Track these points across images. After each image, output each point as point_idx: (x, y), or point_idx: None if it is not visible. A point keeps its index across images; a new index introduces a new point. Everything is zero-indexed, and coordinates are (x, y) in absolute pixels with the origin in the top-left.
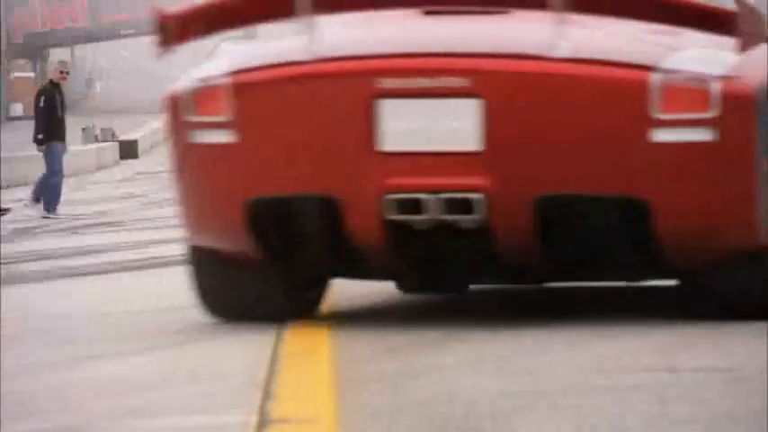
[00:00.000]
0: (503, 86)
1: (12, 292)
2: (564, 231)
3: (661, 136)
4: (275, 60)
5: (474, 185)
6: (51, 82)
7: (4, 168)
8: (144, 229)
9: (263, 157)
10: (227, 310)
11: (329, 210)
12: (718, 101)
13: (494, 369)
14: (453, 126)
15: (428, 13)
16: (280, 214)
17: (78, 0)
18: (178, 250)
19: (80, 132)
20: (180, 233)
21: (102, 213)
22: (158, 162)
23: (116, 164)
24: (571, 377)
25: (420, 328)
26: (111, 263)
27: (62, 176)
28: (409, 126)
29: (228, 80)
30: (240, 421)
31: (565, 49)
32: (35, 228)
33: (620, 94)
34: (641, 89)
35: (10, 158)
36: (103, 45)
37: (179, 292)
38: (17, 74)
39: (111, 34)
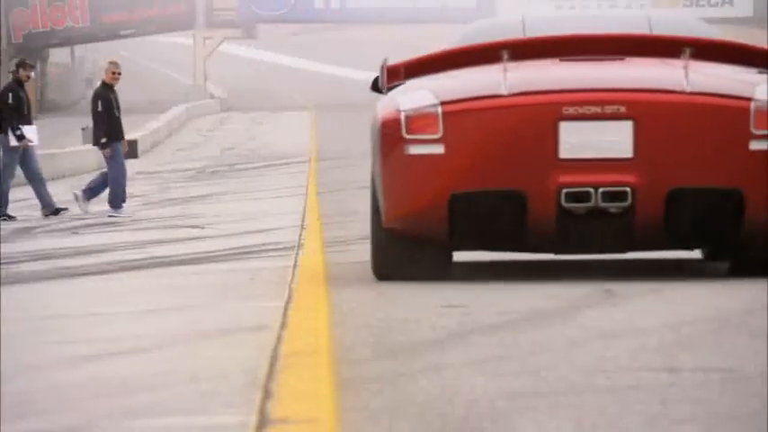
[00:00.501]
0: (648, 112)
1: (12, 292)
2: (684, 215)
3: (755, 146)
4: (477, 94)
5: (628, 182)
6: (104, 83)
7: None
8: (144, 229)
9: (464, 164)
10: (391, 273)
11: (517, 202)
12: None
13: (494, 369)
14: (613, 140)
15: (563, 60)
16: (474, 209)
17: (78, 0)
18: (178, 250)
19: (80, 132)
20: (179, 234)
21: (103, 213)
22: (158, 162)
23: None
24: (571, 377)
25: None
26: (110, 263)
27: (125, 174)
28: (581, 139)
29: (439, 109)
30: (240, 421)
31: (689, 85)
32: (35, 228)
33: (729, 117)
34: (744, 113)
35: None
36: (103, 45)
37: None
38: None
39: (111, 34)
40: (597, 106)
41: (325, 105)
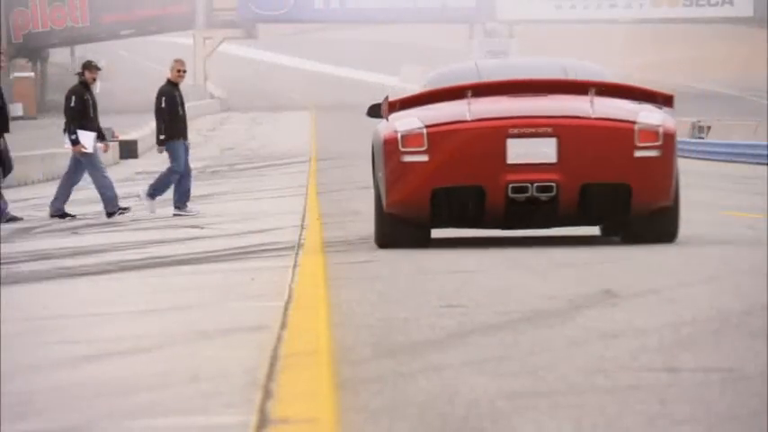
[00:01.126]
0: (567, 132)
1: (12, 292)
2: (592, 202)
3: (639, 154)
4: (451, 120)
5: (553, 179)
6: (169, 81)
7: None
8: (144, 229)
9: (442, 168)
10: (388, 244)
11: (478, 193)
12: (662, 135)
13: (494, 369)
14: (543, 150)
15: (508, 96)
16: (448, 199)
17: (78, 0)
18: (178, 250)
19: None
20: (179, 234)
21: (103, 213)
22: (158, 162)
23: (116, 163)
24: (571, 377)
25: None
26: (110, 263)
27: (190, 173)
28: (523, 150)
29: (424, 130)
30: (240, 421)
31: (594, 113)
32: (35, 228)
33: (620, 135)
34: (630, 132)
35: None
36: (103, 45)
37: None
38: (17, 74)
39: (111, 34)
40: (532, 128)
41: (324, 105)
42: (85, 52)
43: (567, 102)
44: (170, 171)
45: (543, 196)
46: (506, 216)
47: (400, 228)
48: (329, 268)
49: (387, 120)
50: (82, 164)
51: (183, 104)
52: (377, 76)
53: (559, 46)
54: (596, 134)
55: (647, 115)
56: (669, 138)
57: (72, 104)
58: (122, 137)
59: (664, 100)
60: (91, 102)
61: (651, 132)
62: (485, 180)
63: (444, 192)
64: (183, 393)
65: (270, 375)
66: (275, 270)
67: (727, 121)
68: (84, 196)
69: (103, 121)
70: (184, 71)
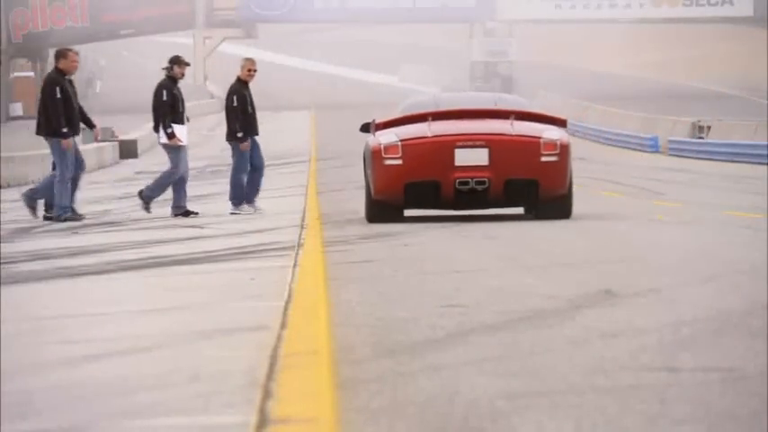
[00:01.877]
0: (495, 144)
1: (12, 292)
2: (513, 191)
3: (543, 159)
4: (417, 136)
5: (486, 176)
6: (239, 80)
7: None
8: (144, 229)
9: (412, 169)
10: (375, 220)
11: (436, 186)
12: (560, 146)
13: (494, 369)
14: (479, 156)
15: (456, 119)
16: (415, 190)
17: (78, 0)
18: (178, 250)
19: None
20: (179, 234)
21: (103, 213)
22: (158, 162)
23: (116, 163)
24: (571, 377)
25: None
26: (110, 263)
27: (260, 168)
28: (466, 157)
29: (399, 143)
30: (240, 421)
31: (514, 131)
32: (35, 228)
33: (531, 146)
34: (537, 144)
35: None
36: (103, 45)
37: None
38: (17, 74)
39: (111, 34)
40: (471, 141)
41: (324, 105)
42: (86, 52)
43: (495, 124)
44: (236, 170)
45: (479, 187)
46: (455, 201)
47: (383, 208)
48: (329, 268)
49: (374, 135)
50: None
51: (252, 103)
52: (377, 76)
53: (559, 46)
54: (515, 145)
55: (549, 133)
56: (564, 148)
57: (164, 99)
58: (122, 137)
59: (560, 122)
60: (179, 96)
61: (551, 144)
62: (440, 177)
63: (413, 185)
64: (183, 393)
65: (270, 375)
66: (275, 270)
67: (727, 121)
68: (84, 196)
69: (103, 121)
70: (255, 70)
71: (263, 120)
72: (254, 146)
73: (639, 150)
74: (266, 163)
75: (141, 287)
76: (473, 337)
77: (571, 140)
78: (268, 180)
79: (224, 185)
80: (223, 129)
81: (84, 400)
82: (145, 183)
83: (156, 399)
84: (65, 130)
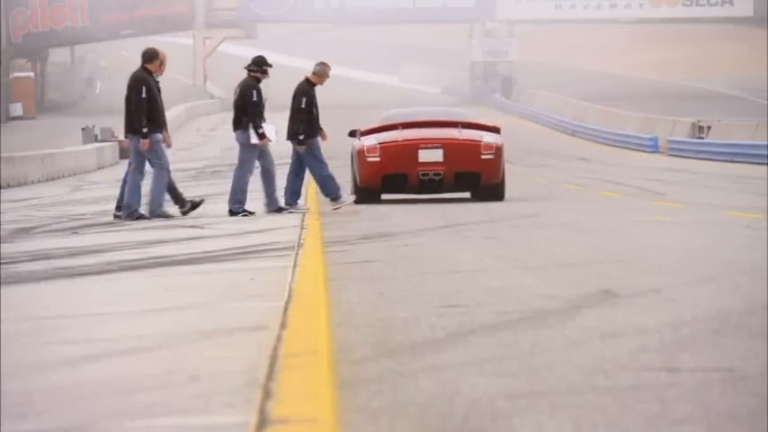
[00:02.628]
0: (447, 145)
1: (12, 292)
2: (461, 180)
3: (483, 156)
4: (391, 140)
5: (441, 170)
6: (309, 82)
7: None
8: (144, 229)
9: (387, 164)
10: (361, 202)
11: (405, 177)
12: (495, 148)
13: (494, 369)
14: (436, 155)
15: (419, 127)
16: (390, 180)
17: (78, 0)
18: (178, 250)
19: (80, 132)
20: (179, 234)
21: (103, 213)
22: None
23: (116, 163)
24: (571, 377)
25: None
26: (110, 263)
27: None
28: (426, 155)
29: (378, 145)
30: (240, 421)
31: (461, 136)
32: (35, 228)
33: (474, 147)
34: (478, 145)
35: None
36: (103, 45)
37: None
38: (17, 74)
39: (111, 34)
40: (430, 144)
41: (324, 105)
42: (86, 52)
43: (447, 131)
44: (319, 167)
45: (436, 178)
46: (419, 188)
47: (366, 193)
48: (329, 268)
49: (359, 139)
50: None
51: (316, 105)
52: (377, 75)
53: (559, 46)
54: (462, 147)
55: (487, 137)
56: (498, 149)
57: (254, 99)
58: (122, 137)
59: (495, 130)
60: (263, 96)
61: (489, 146)
62: (408, 170)
63: (388, 176)
64: (183, 393)
65: (270, 375)
66: (275, 270)
67: (727, 121)
68: (84, 196)
69: (103, 121)
70: (328, 75)
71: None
72: (318, 146)
73: (639, 150)
74: None
75: (141, 287)
76: (473, 337)
77: (566, 140)
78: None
79: (225, 186)
80: (224, 129)
81: (84, 400)
82: (145, 182)
83: (156, 399)
84: (145, 129)
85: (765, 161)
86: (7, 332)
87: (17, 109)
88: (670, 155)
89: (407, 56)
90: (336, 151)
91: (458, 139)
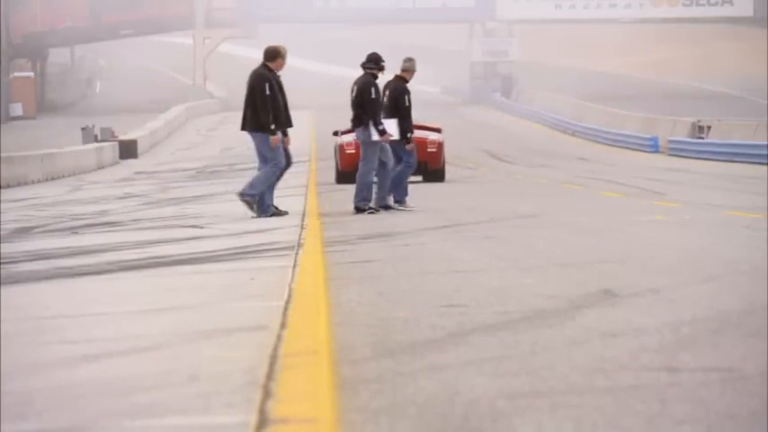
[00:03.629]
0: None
1: (12, 292)
2: (418, 168)
3: (428, 150)
4: (356, 140)
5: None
6: (401, 78)
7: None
8: (144, 229)
9: (359, 155)
10: (340, 182)
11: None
12: (437, 144)
13: (494, 369)
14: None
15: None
16: (351, 169)
17: (78, 0)
18: (178, 250)
19: (80, 132)
20: (179, 234)
21: (103, 213)
22: (158, 162)
23: (116, 163)
24: (571, 377)
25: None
26: (110, 263)
27: (412, 167)
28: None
29: (354, 141)
30: (240, 421)
31: (414, 135)
32: (35, 228)
33: (423, 143)
34: (426, 141)
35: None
36: (103, 45)
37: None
38: (17, 74)
39: (111, 34)
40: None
41: (324, 105)
42: (86, 52)
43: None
44: (407, 166)
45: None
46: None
47: (345, 176)
48: (329, 268)
49: (340, 137)
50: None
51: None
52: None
53: (560, 46)
54: (415, 143)
55: (432, 136)
56: (439, 144)
57: (372, 96)
58: (122, 137)
59: (437, 130)
60: (380, 93)
61: (432, 142)
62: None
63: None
64: (183, 393)
65: (270, 375)
66: (275, 270)
67: (727, 121)
68: (84, 196)
69: (103, 121)
70: (414, 70)
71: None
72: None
73: (639, 150)
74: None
75: (141, 287)
76: (473, 337)
77: (566, 140)
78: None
79: (224, 186)
80: (223, 129)
81: (84, 400)
82: (145, 182)
83: (155, 399)
84: (273, 126)
85: (765, 161)
86: (7, 332)
87: (17, 109)
88: (670, 155)
89: (407, 56)
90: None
91: (419, 138)
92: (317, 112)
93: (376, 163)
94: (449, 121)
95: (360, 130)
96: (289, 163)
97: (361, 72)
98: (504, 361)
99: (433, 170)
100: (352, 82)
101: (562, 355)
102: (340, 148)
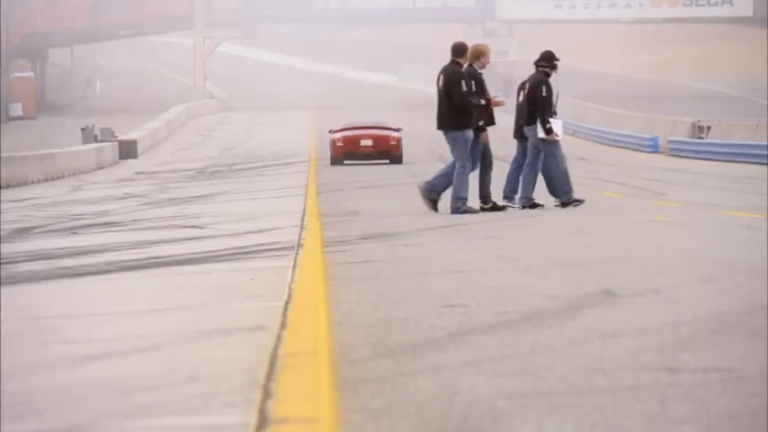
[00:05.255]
0: (374, 138)
1: (12, 292)
2: (379, 155)
3: (390, 143)
4: (348, 135)
5: (371, 150)
6: (545, 73)
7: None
8: (144, 229)
9: (346, 146)
10: (334, 164)
11: (354, 153)
12: (396, 140)
13: (494, 369)
14: (368, 142)
15: (363, 129)
16: (347, 154)
17: (78, 0)
18: (178, 250)
19: (80, 132)
20: (179, 234)
21: (103, 213)
22: (158, 162)
23: (116, 163)
24: (571, 377)
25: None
26: (110, 263)
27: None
28: (364, 142)
29: (342, 137)
30: (240, 421)
31: (380, 133)
32: (35, 228)
33: (386, 138)
34: (389, 137)
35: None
36: (103, 45)
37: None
38: (17, 74)
39: (111, 34)
40: (366, 137)
41: (324, 105)
42: (85, 52)
43: (374, 131)
44: (559, 161)
45: (368, 152)
46: (361, 158)
47: (337, 161)
48: (329, 268)
49: (332, 134)
50: (541, 152)
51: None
52: (376, 75)
53: (559, 46)
54: (380, 138)
55: (393, 134)
56: (398, 140)
57: (544, 94)
58: (122, 137)
59: (397, 130)
60: (554, 91)
61: (393, 138)
62: (355, 150)
63: (346, 152)
64: (183, 393)
65: (270, 375)
66: (275, 270)
67: (727, 121)
68: (84, 196)
69: (103, 121)
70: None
71: (263, 120)
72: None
73: (639, 150)
74: (267, 163)
75: (141, 287)
76: (473, 337)
77: (565, 140)
78: (268, 180)
79: (224, 186)
80: (223, 129)
81: (85, 400)
82: (145, 182)
83: (155, 399)
84: (481, 123)
85: (765, 161)
86: (7, 332)
87: (17, 109)
88: (670, 155)
89: (407, 56)
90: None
91: (378, 135)
92: (316, 112)
93: (563, 154)
94: None
95: (531, 127)
96: (488, 162)
97: (359, 72)
98: (504, 361)
99: (393, 156)
100: (369, 83)
101: (562, 355)
102: (333, 142)
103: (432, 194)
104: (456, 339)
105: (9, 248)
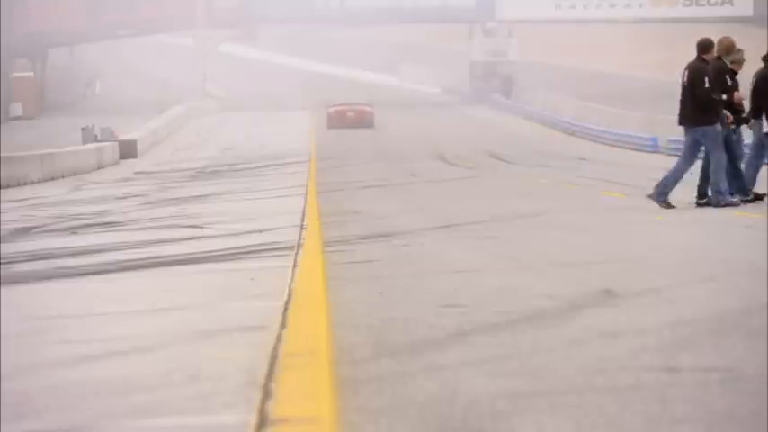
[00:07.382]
0: (357, 112)
1: (12, 291)
2: (360, 123)
3: (366, 115)
4: (339, 110)
5: (354, 119)
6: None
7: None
8: (144, 229)
9: (338, 118)
10: (330, 127)
11: (342, 119)
12: (371, 113)
13: (494, 369)
14: (352, 115)
15: (349, 106)
16: (338, 122)
17: (78, 0)
18: (178, 250)
19: (80, 132)
20: (179, 234)
21: (103, 213)
22: (158, 162)
23: (116, 163)
24: (571, 377)
25: None
26: (110, 263)
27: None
28: (350, 115)
29: (335, 111)
30: (240, 421)
31: (362, 108)
32: (35, 228)
33: (367, 113)
34: (370, 111)
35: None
36: (103, 45)
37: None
38: (17, 74)
39: (111, 34)
40: (351, 111)
41: (324, 105)
42: (85, 52)
43: (360, 107)
44: (755, 154)
45: (352, 120)
46: (347, 124)
47: (331, 126)
48: (329, 268)
49: (328, 110)
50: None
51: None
52: (376, 76)
53: (559, 46)
54: (361, 111)
55: (368, 109)
56: (371, 113)
57: None
58: (122, 137)
59: (371, 106)
60: None
61: (369, 113)
62: (344, 122)
63: (338, 120)
64: (183, 393)
65: (270, 375)
66: (275, 270)
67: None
68: (84, 196)
69: (103, 121)
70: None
71: (263, 120)
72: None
73: (639, 150)
74: (267, 163)
75: (141, 287)
76: (473, 337)
77: (574, 140)
78: (268, 180)
79: (224, 186)
80: (223, 129)
81: (84, 400)
82: (146, 182)
83: (156, 399)
84: (733, 126)
85: (765, 161)
86: (7, 332)
87: (17, 109)
88: (670, 155)
89: (407, 56)
90: (336, 151)
91: (358, 109)
92: (316, 112)
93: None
94: (449, 120)
95: (756, 121)
96: (736, 154)
97: (359, 72)
98: (503, 361)
99: (368, 122)
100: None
101: (562, 355)
102: (328, 114)
103: (662, 197)
104: (456, 339)
105: (9, 248)
